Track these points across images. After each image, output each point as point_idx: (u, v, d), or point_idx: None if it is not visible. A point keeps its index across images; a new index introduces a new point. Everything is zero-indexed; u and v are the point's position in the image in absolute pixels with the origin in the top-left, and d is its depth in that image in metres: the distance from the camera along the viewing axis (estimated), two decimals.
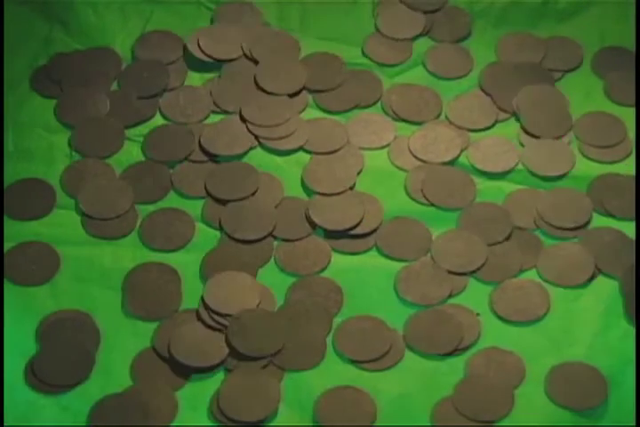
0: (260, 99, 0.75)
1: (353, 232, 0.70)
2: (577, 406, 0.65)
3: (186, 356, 0.65)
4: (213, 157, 0.73)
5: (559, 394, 0.65)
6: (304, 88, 0.76)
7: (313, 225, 0.71)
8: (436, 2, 0.80)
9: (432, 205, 0.72)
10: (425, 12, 0.79)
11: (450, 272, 0.69)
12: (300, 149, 0.74)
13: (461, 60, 0.78)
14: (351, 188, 0.72)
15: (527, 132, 0.74)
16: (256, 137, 0.74)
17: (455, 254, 0.70)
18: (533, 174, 0.73)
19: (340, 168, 0.73)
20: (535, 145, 0.74)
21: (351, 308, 0.69)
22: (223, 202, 0.72)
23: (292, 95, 0.76)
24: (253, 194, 0.72)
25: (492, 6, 0.80)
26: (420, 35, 0.79)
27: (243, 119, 0.74)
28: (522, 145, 0.74)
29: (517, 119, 0.75)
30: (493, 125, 0.76)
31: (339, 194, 0.71)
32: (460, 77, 0.77)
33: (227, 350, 0.66)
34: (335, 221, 0.70)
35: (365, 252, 0.71)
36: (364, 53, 0.78)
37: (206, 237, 0.71)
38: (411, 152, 0.74)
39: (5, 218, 0.72)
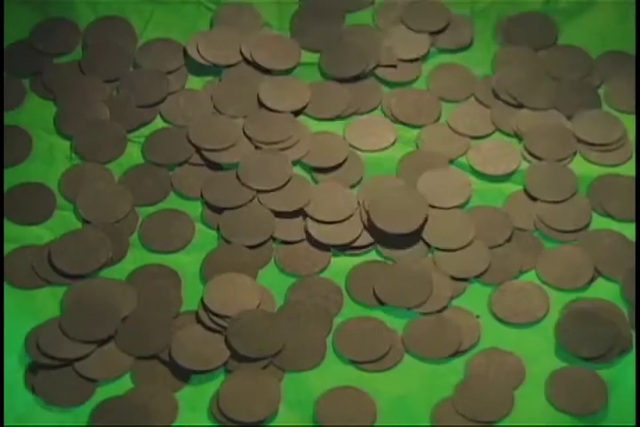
0: (264, 115, 0.75)
1: (354, 245, 0.70)
2: (577, 410, 0.65)
3: (187, 360, 0.65)
4: (213, 164, 0.74)
5: (560, 399, 0.65)
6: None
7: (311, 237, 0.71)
8: (440, 22, 0.79)
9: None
10: (430, 33, 0.79)
11: (453, 278, 0.69)
12: (299, 161, 0.74)
13: (464, 80, 0.77)
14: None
15: (530, 153, 0.74)
16: (256, 147, 0.74)
17: (458, 260, 0.69)
18: (532, 197, 0.72)
19: (341, 197, 0.72)
20: (537, 167, 0.73)
21: (351, 308, 0.69)
22: (219, 210, 0.72)
23: (295, 112, 0.75)
24: (251, 200, 0.72)
25: (492, 6, 0.80)
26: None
27: (247, 136, 0.74)
28: (527, 160, 0.74)
29: (519, 139, 0.75)
30: (494, 132, 0.75)
31: (340, 222, 0.71)
32: (463, 100, 0.77)
33: (227, 353, 0.66)
34: (335, 235, 0.70)
35: (365, 252, 0.71)
36: (372, 72, 0.78)
37: (206, 237, 0.71)
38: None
39: (5, 221, 0.72)
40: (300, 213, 0.71)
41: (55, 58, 0.78)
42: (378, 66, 0.77)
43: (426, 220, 0.70)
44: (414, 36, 0.78)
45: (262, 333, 0.66)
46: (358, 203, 0.71)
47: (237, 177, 0.72)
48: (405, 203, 0.70)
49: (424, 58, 0.78)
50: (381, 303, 0.68)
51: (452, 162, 0.74)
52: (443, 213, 0.71)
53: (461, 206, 0.71)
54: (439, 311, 0.68)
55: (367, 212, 0.70)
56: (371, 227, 0.70)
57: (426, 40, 0.78)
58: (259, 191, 0.71)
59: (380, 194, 0.70)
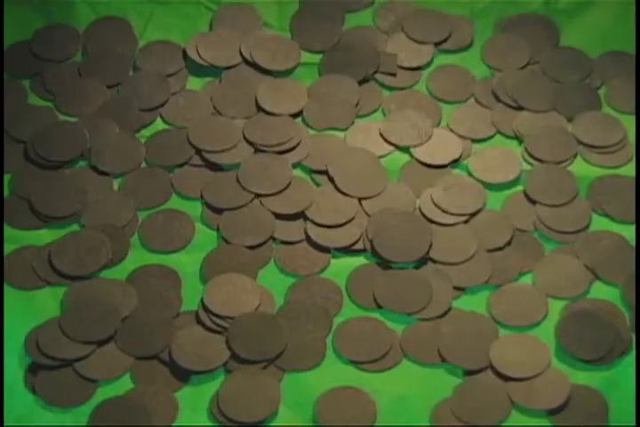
0: (263, 117, 0.74)
1: (354, 248, 0.70)
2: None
3: (187, 360, 0.65)
4: (213, 165, 0.73)
5: (560, 418, 0.65)
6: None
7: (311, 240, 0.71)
8: (443, 32, 0.78)
9: None
10: (435, 44, 0.78)
11: (455, 288, 0.69)
12: (299, 164, 0.74)
13: (463, 82, 0.77)
14: None
15: (530, 155, 0.74)
16: (256, 150, 0.74)
17: (460, 271, 0.69)
18: (532, 200, 0.72)
19: (341, 200, 0.72)
20: (537, 170, 0.73)
21: (351, 309, 0.69)
22: (219, 210, 0.72)
23: (294, 115, 0.75)
24: (251, 201, 0.71)
25: (492, 6, 0.80)
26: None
27: (248, 141, 0.74)
28: (527, 163, 0.74)
29: (520, 141, 0.75)
30: (495, 135, 0.75)
31: (340, 226, 0.71)
32: (463, 101, 0.77)
33: (227, 354, 0.66)
34: (335, 238, 0.70)
35: (365, 254, 0.71)
36: (372, 77, 0.77)
37: (206, 237, 0.71)
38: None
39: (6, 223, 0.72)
40: (301, 215, 0.71)
41: (55, 64, 0.78)
42: (378, 71, 0.77)
43: (430, 246, 0.70)
44: (418, 47, 0.78)
45: (263, 337, 0.66)
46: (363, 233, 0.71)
47: (238, 181, 0.72)
48: (409, 231, 0.70)
49: (425, 66, 0.78)
50: (381, 308, 0.68)
51: (454, 166, 0.74)
52: (445, 229, 0.70)
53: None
54: (439, 317, 0.68)
55: (371, 241, 0.70)
56: (374, 252, 0.70)
57: (430, 50, 0.78)
58: (259, 195, 0.71)
59: (384, 223, 0.70)
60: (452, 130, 0.75)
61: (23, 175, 0.73)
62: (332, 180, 0.72)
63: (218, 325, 0.66)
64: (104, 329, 0.66)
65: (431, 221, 0.70)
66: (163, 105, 0.75)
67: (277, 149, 0.73)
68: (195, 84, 0.77)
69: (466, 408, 0.65)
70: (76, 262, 0.69)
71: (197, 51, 0.76)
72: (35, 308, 0.69)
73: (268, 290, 0.69)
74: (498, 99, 0.76)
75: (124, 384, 0.66)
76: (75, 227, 0.71)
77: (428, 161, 0.73)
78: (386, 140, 0.74)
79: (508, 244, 0.70)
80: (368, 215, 0.70)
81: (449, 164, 0.73)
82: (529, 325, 0.68)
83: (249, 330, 0.66)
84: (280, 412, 0.65)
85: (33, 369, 0.66)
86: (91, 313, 0.67)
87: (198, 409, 0.66)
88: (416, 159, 0.73)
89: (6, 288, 0.69)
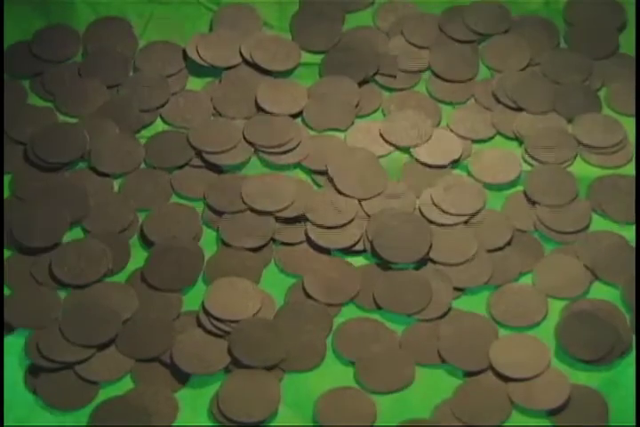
0: (263, 118, 0.74)
1: (354, 249, 0.70)
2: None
3: (188, 364, 0.65)
4: (213, 166, 0.74)
5: (561, 418, 0.65)
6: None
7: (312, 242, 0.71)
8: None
9: None
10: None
11: (455, 288, 0.69)
12: (299, 164, 0.74)
13: (462, 83, 0.77)
14: None
15: (530, 156, 0.73)
16: (255, 150, 0.74)
17: (460, 272, 0.69)
18: (532, 201, 0.72)
19: (342, 200, 0.72)
20: (537, 171, 0.73)
21: (351, 309, 0.69)
22: (221, 213, 0.71)
23: (294, 115, 0.75)
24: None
25: None
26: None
27: (248, 141, 0.74)
28: (528, 164, 0.74)
29: (520, 142, 0.75)
30: (495, 135, 0.75)
31: (341, 227, 0.71)
32: (463, 102, 0.77)
33: (228, 357, 0.66)
34: (335, 239, 0.70)
35: (365, 255, 0.71)
36: (372, 79, 0.77)
37: (207, 237, 0.71)
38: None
39: None
40: (301, 218, 0.71)
41: (55, 65, 0.78)
42: (378, 73, 0.77)
43: (430, 247, 0.69)
44: (417, 51, 0.78)
45: (265, 344, 0.66)
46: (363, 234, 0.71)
47: (243, 201, 0.71)
48: (409, 231, 0.70)
49: (426, 70, 0.78)
50: (381, 308, 0.68)
51: (454, 166, 0.74)
52: (445, 230, 0.70)
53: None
54: (439, 318, 0.68)
55: (371, 242, 0.70)
56: (374, 253, 0.70)
57: (429, 55, 0.78)
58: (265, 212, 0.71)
59: (384, 223, 0.70)
60: (452, 130, 0.75)
61: (23, 176, 0.73)
62: (331, 180, 0.72)
63: (219, 328, 0.66)
64: (105, 333, 0.66)
65: (431, 222, 0.71)
66: (163, 105, 0.75)
67: (277, 149, 0.73)
68: (195, 84, 0.77)
69: (466, 409, 0.65)
70: (76, 272, 0.68)
71: (197, 51, 0.76)
72: None
73: (269, 294, 0.68)
74: (498, 100, 0.76)
75: (126, 386, 0.66)
76: (75, 229, 0.72)
77: (428, 161, 0.73)
78: (386, 141, 0.74)
79: (508, 244, 0.70)
80: (368, 216, 0.71)
81: (449, 164, 0.73)
82: (529, 325, 0.68)
83: (250, 337, 0.66)
84: (280, 412, 0.65)
85: (33, 371, 0.66)
86: (91, 317, 0.66)
87: (198, 409, 0.66)
88: (416, 159, 0.74)
89: (6, 289, 0.69)
